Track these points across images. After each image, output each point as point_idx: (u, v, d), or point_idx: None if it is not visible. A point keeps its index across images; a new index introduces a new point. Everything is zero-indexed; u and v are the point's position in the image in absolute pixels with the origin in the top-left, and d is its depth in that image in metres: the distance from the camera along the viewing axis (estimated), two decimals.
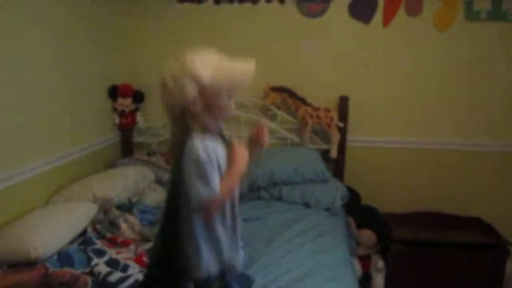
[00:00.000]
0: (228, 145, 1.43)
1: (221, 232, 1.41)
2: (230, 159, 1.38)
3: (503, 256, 2.70)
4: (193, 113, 1.33)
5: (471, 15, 2.81)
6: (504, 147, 2.96)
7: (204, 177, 1.29)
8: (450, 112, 2.97)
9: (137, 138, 3.18)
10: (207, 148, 1.30)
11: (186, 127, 1.34)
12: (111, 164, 2.95)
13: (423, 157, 3.05)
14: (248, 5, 2.97)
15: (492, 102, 2.92)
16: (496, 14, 2.79)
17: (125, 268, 1.81)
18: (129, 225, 2.11)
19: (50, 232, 1.92)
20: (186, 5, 3.02)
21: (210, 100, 1.34)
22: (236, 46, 2.98)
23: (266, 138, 1.49)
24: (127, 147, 3.16)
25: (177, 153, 1.35)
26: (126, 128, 3.13)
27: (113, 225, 2.17)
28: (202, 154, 1.28)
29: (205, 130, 1.35)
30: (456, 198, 3.05)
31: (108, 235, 2.09)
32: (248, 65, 1.37)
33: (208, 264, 1.39)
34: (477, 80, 2.90)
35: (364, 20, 2.92)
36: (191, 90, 1.31)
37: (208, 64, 1.33)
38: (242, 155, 1.38)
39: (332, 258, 2.00)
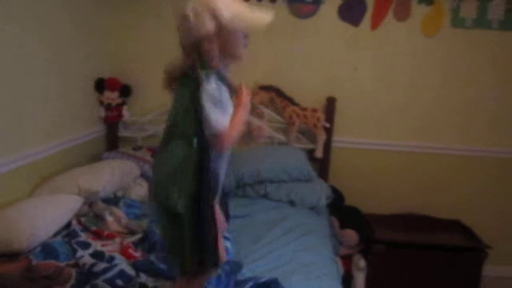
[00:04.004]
0: (234, 91, 1.48)
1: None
2: (238, 102, 1.46)
3: (481, 259, 2.77)
4: (206, 50, 1.37)
5: (457, 22, 2.88)
6: (486, 152, 3.04)
7: (220, 109, 1.36)
8: (436, 116, 3.03)
9: (123, 132, 3.15)
10: (220, 87, 1.37)
11: (196, 63, 1.39)
12: (95, 158, 2.91)
13: (407, 160, 3.10)
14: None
15: (478, 108, 2.99)
16: (481, 22, 2.86)
17: (110, 259, 1.80)
18: (115, 218, 2.09)
19: (34, 223, 1.90)
20: (180, 1, 3.00)
21: (225, 41, 1.40)
22: None
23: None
24: (112, 141, 3.13)
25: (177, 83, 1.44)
26: (112, 122, 3.09)
27: (98, 218, 2.14)
28: (216, 92, 1.35)
29: (215, 70, 1.40)
30: (437, 201, 3.12)
31: (93, 228, 2.07)
32: (266, 14, 1.43)
33: None
34: (462, 85, 2.97)
35: (353, 23, 2.96)
36: (209, 26, 1.35)
37: (229, 5, 1.38)
38: (247, 97, 1.48)
39: (318, 257, 2.03)
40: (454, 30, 2.91)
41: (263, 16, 1.43)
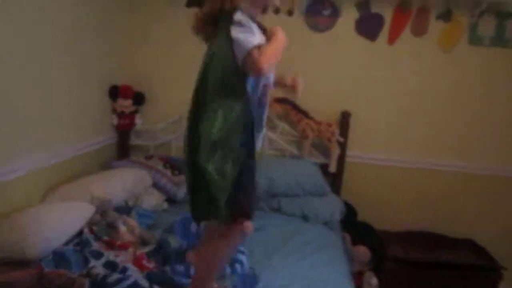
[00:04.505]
0: (264, 31, 1.54)
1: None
2: (272, 36, 1.49)
3: (496, 279, 2.72)
4: None
5: (475, 39, 2.86)
6: (500, 171, 3.00)
7: (250, 32, 1.41)
8: (450, 133, 3.00)
9: (134, 141, 3.13)
10: (247, 18, 1.43)
11: (224, 5, 1.44)
12: (106, 166, 2.88)
13: (420, 177, 3.06)
14: None
15: (491, 126, 2.96)
16: (499, 40, 2.85)
17: (123, 270, 1.75)
18: (128, 228, 2.05)
19: (45, 231, 1.86)
20: (194, 10, 2.98)
21: None
22: None
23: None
24: (123, 149, 3.10)
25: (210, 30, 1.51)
26: (124, 130, 3.07)
27: (111, 227, 2.10)
28: (243, 20, 1.41)
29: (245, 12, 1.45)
30: (450, 219, 3.07)
31: (105, 237, 2.03)
32: None
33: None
34: (478, 103, 2.94)
35: (370, 37, 2.94)
36: None
37: None
38: (282, 34, 1.51)
39: (334, 273, 1.99)
40: (471, 47, 2.89)
41: None
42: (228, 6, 1.44)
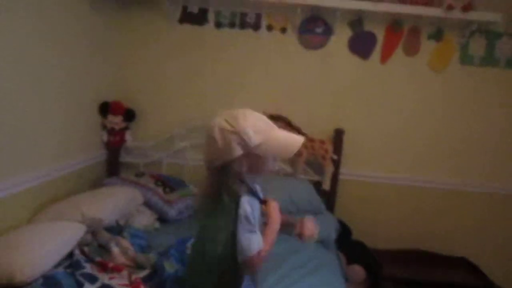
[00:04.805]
0: (261, 201, 1.47)
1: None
2: (268, 215, 1.45)
3: None
4: (234, 171, 1.36)
5: (466, 59, 2.91)
6: (493, 188, 3.02)
7: (252, 232, 1.35)
8: (443, 151, 3.02)
9: (125, 158, 3.05)
10: (253, 206, 1.36)
11: (223, 182, 1.38)
12: (96, 184, 2.80)
13: (413, 195, 3.06)
14: (249, 31, 2.96)
15: (484, 144, 2.99)
16: (489, 59, 2.89)
17: None
18: (121, 250, 1.97)
19: (35, 252, 1.77)
20: (187, 26, 2.98)
21: (254, 162, 1.38)
22: (234, 72, 3.01)
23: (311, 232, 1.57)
24: (113, 166, 3.02)
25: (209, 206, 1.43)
26: (114, 147, 2.99)
27: (103, 248, 2.02)
28: (250, 213, 1.34)
29: (243, 186, 1.39)
30: (443, 236, 3.07)
31: (97, 258, 1.95)
32: (298, 138, 1.41)
33: None
34: (469, 122, 2.98)
35: (362, 56, 2.96)
36: (238, 150, 1.33)
37: (260, 129, 1.35)
38: (277, 211, 1.47)
39: None
40: (462, 67, 2.93)
41: (294, 141, 1.41)
42: (233, 182, 1.39)
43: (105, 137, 2.94)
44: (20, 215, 2.11)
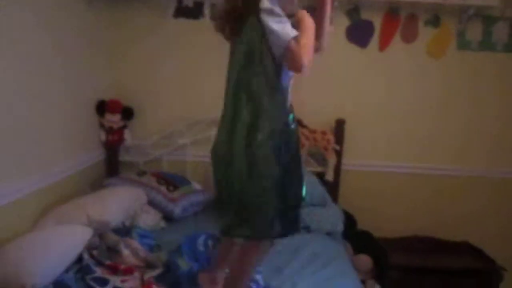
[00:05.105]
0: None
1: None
2: (300, 21, 1.43)
3: (497, 280, 2.74)
4: None
5: (463, 44, 2.91)
6: (493, 173, 3.04)
7: (285, 22, 1.37)
8: (443, 137, 3.02)
9: (124, 157, 3.00)
10: (274, 4, 1.38)
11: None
12: (96, 185, 2.75)
13: (415, 182, 3.07)
14: None
15: (484, 129, 3.00)
16: (486, 44, 2.90)
17: None
18: (131, 251, 1.93)
19: (44, 259, 1.74)
20: (182, 20, 2.93)
21: None
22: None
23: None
24: (112, 166, 2.97)
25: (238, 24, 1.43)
26: (112, 146, 2.94)
27: (112, 250, 1.99)
28: (277, 9, 1.36)
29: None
30: (446, 222, 3.09)
31: (107, 261, 1.91)
32: None
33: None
34: (471, 107, 2.98)
35: (361, 44, 2.94)
36: None
37: None
38: (309, 19, 1.44)
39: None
40: (459, 52, 2.92)
41: None
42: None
43: (103, 136, 2.88)
44: (23, 221, 2.06)
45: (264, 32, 1.37)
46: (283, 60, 1.40)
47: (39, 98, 2.18)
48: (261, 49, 1.40)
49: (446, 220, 3.09)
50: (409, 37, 2.92)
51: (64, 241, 1.89)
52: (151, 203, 2.56)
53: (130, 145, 2.98)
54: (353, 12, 2.90)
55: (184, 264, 1.83)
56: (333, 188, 2.98)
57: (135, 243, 2.00)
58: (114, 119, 2.86)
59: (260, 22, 1.37)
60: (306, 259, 2.13)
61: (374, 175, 3.06)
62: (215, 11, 1.58)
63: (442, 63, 2.94)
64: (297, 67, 1.40)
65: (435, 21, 2.89)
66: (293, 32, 1.37)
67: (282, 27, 1.36)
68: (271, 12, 1.36)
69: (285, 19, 1.39)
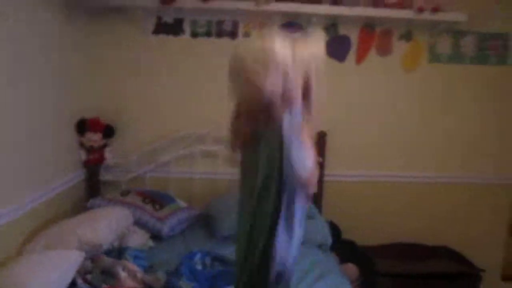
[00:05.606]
0: None
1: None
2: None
3: (477, 282, 2.86)
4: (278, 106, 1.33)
5: (434, 57, 3.05)
6: (469, 178, 3.18)
7: (302, 148, 1.35)
8: (420, 146, 3.14)
9: (104, 176, 2.92)
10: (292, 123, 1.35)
11: (266, 121, 1.36)
12: (77, 206, 2.66)
13: (394, 190, 3.17)
14: (226, 40, 2.93)
15: (459, 137, 3.14)
16: (456, 57, 3.05)
17: None
18: (128, 273, 1.88)
19: (36, 285, 1.66)
20: (162, 36, 2.91)
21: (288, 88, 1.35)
22: (213, 81, 2.94)
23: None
24: (93, 186, 2.88)
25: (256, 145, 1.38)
26: (93, 166, 2.86)
27: (107, 274, 1.92)
28: (290, 126, 1.34)
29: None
30: (425, 228, 3.20)
31: (104, 286, 1.85)
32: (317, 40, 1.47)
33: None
34: (443, 116, 3.12)
35: (339, 59, 3.03)
36: (279, 78, 1.32)
37: (287, 52, 1.36)
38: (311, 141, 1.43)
39: None
40: (431, 65, 3.06)
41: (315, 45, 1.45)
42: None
43: (83, 155, 2.80)
44: (6, 248, 1.97)
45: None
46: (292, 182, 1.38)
47: (11, 120, 2.04)
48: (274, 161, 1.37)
49: (425, 225, 3.20)
50: (384, 50, 3.04)
51: (55, 267, 1.81)
52: (138, 222, 2.51)
53: (111, 164, 2.91)
54: (331, 28, 2.98)
55: (185, 286, 1.80)
56: (316, 200, 3.02)
57: (132, 265, 1.95)
58: (95, 138, 2.79)
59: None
60: (300, 273, 2.13)
61: (355, 185, 3.13)
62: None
63: (415, 74, 3.07)
64: (307, 195, 1.45)
65: (408, 36, 3.02)
66: (311, 164, 1.37)
67: (300, 157, 1.34)
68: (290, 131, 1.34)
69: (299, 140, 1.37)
